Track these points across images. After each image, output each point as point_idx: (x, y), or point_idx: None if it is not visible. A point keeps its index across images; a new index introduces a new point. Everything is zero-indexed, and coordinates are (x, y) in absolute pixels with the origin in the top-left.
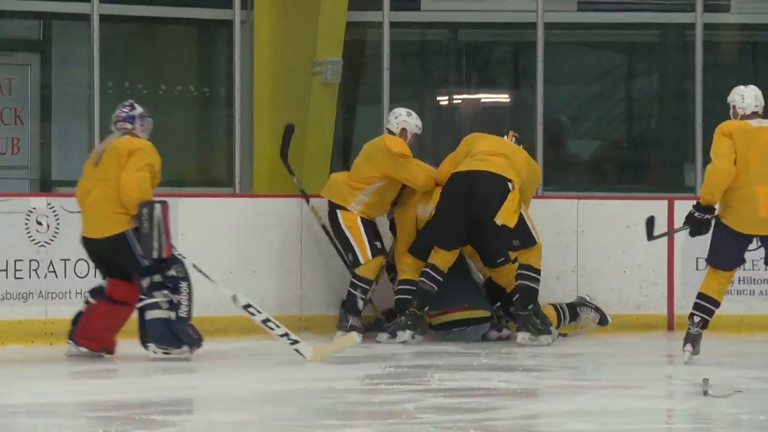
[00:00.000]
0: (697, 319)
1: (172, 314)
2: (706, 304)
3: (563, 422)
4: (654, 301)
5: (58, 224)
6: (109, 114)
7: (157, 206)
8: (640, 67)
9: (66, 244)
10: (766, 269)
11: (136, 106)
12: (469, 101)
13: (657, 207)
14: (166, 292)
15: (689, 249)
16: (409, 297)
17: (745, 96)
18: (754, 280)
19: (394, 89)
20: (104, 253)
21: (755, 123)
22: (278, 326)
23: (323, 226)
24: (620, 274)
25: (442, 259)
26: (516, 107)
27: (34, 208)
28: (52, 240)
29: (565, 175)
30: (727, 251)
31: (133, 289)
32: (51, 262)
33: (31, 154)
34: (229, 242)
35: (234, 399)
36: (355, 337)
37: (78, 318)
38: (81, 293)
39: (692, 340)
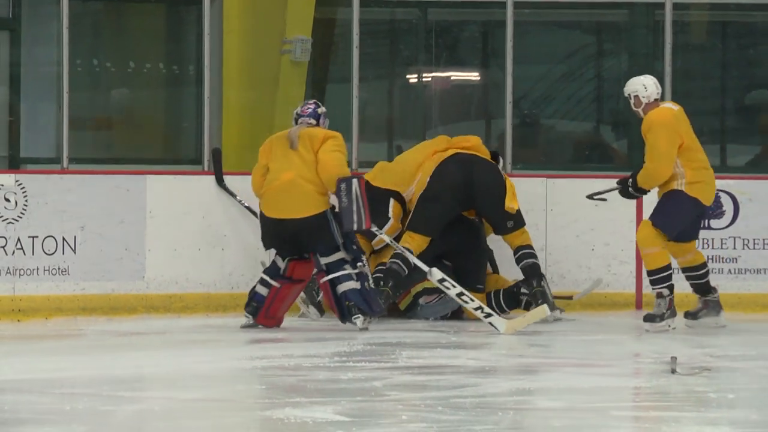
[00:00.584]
0: (672, 288)
1: (364, 284)
2: (671, 273)
3: (531, 400)
4: (622, 280)
5: (26, 201)
6: (78, 92)
7: (354, 180)
8: (609, 46)
9: (34, 222)
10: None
11: (320, 104)
12: (439, 80)
13: None
14: (360, 264)
15: None
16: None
17: (647, 85)
18: (723, 258)
19: (364, 68)
20: (298, 232)
21: (674, 107)
22: (472, 299)
23: None
24: (588, 252)
25: (417, 245)
26: (485, 86)
27: (2, 185)
28: (20, 217)
29: (534, 154)
30: (687, 223)
31: (310, 266)
32: (19, 239)
33: (0, 132)
34: (197, 219)
35: (202, 376)
36: (546, 309)
37: (255, 296)
38: (48, 270)
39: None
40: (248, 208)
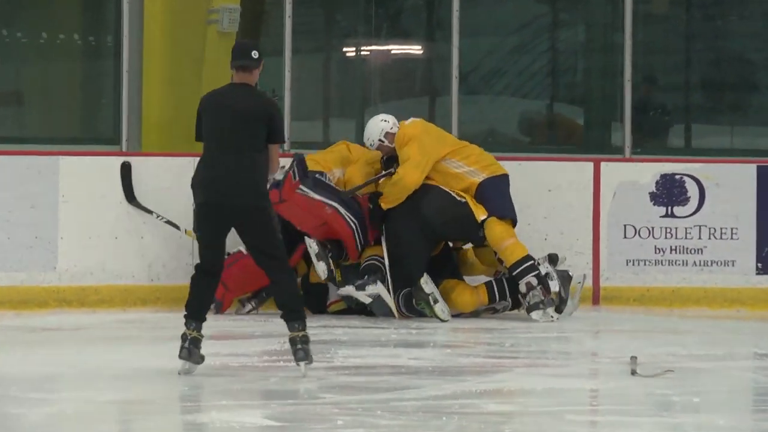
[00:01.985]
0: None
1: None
2: (534, 261)
3: (479, 403)
4: (578, 272)
5: None
6: None
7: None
8: (565, 17)
9: None
10: None
11: None
12: (379, 53)
13: (582, 169)
14: None
15: (617, 215)
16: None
17: (386, 118)
18: (688, 249)
19: (297, 40)
20: None
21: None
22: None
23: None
24: (541, 242)
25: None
26: (430, 60)
27: None
28: None
29: (482, 135)
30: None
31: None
32: None
33: None
34: (114, 204)
35: (119, 376)
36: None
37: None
38: None
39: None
40: (169, 222)
